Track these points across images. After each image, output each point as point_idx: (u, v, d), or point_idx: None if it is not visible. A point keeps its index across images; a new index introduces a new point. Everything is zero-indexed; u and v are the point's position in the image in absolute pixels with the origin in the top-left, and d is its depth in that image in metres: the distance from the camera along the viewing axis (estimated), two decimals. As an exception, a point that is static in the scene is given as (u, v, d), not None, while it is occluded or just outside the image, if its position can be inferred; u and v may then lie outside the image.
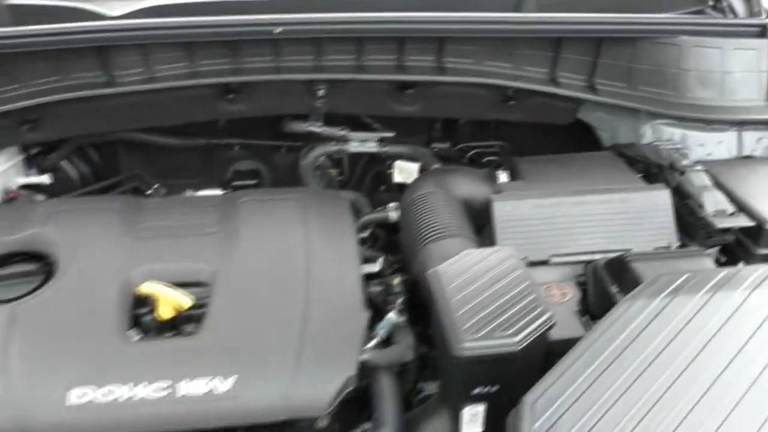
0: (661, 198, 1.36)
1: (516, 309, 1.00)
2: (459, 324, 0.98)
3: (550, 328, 1.00)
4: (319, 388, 1.08)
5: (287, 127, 1.72)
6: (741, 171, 1.47)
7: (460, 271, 1.08)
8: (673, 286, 1.00)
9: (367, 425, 1.15)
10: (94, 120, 1.59)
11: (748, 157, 1.58)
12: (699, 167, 1.42)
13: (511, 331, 0.96)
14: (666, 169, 1.44)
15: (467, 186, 1.45)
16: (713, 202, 1.33)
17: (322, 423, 1.14)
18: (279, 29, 1.42)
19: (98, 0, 1.45)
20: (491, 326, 0.97)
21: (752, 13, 1.70)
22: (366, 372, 1.15)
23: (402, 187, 1.68)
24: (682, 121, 1.60)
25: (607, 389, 0.88)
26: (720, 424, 0.83)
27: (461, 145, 1.89)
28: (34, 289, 1.22)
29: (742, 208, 1.33)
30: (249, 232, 1.32)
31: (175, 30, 1.44)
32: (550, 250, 1.30)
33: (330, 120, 1.73)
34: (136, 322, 1.20)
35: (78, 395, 1.05)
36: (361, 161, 1.92)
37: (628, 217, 1.34)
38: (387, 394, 1.16)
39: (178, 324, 1.21)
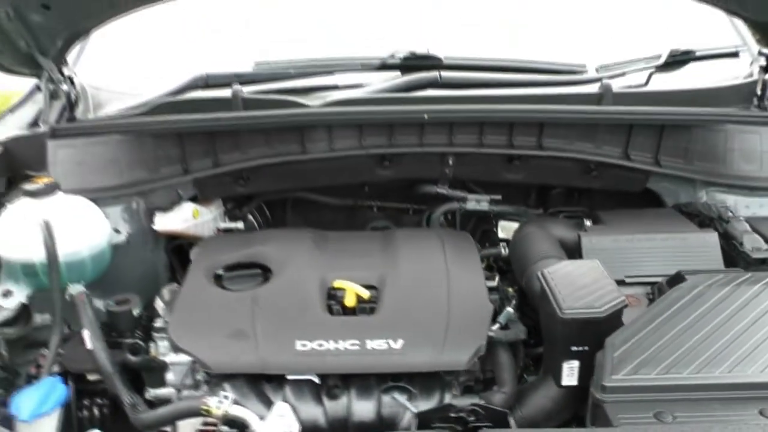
0: (711, 238, 1.81)
1: (600, 292, 1.48)
2: (562, 299, 1.46)
3: (624, 306, 1.47)
4: (460, 351, 1.56)
5: (421, 189, 2.27)
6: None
7: (562, 271, 1.57)
8: (714, 279, 1.46)
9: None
10: (288, 179, 2.19)
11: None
12: (741, 218, 1.88)
13: (597, 303, 1.44)
14: (715, 219, 1.90)
15: (561, 229, 1.95)
16: (751, 241, 1.77)
17: (456, 393, 1.61)
18: (426, 116, 2.00)
19: (301, 95, 2.09)
20: (584, 300, 1.45)
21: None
22: (491, 347, 1.63)
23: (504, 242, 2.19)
24: (730, 188, 2.06)
25: (666, 334, 1.34)
26: (746, 356, 1.28)
27: (551, 210, 2.39)
28: (262, 284, 1.79)
29: (770, 246, 1.78)
30: (404, 253, 1.86)
31: (351, 116, 2.05)
32: (624, 272, 1.76)
33: (451, 185, 2.28)
34: (329, 311, 1.73)
35: (301, 345, 1.57)
36: (471, 221, 2.44)
37: (685, 252, 1.79)
38: (506, 363, 1.64)
39: (356, 313, 1.73)
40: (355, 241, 1.98)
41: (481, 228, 2.43)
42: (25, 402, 1.36)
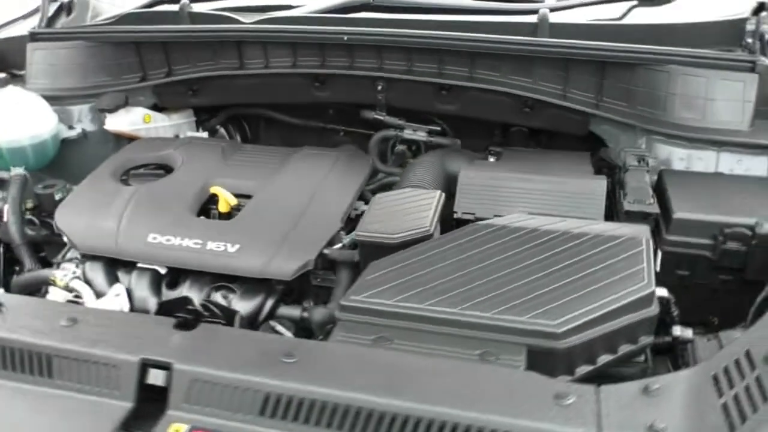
0: (596, 186, 1.67)
1: (409, 222, 1.45)
2: (366, 222, 1.46)
3: (425, 237, 1.43)
4: (288, 263, 1.61)
5: (361, 114, 2.28)
6: (690, 179, 1.71)
7: (391, 197, 1.55)
8: (505, 223, 1.39)
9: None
10: (229, 93, 2.30)
11: (719, 174, 1.78)
12: (644, 168, 1.69)
13: (393, 230, 1.42)
14: (619, 168, 1.73)
15: (457, 163, 1.88)
16: (635, 192, 1.61)
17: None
18: (346, 37, 2.00)
19: (240, 12, 2.16)
20: (383, 225, 1.44)
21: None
22: (329, 264, 1.66)
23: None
24: (668, 137, 1.84)
25: (425, 268, 1.32)
26: (490, 299, 1.22)
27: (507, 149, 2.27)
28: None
29: (663, 202, 1.59)
30: (292, 167, 1.91)
31: (284, 34, 2.10)
32: (495, 211, 1.68)
33: (397, 113, 2.24)
34: (207, 214, 1.84)
35: (152, 237, 1.70)
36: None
37: (561, 196, 1.66)
38: (342, 282, 1.66)
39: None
40: (262, 154, 2.05)
41: None
42: None
